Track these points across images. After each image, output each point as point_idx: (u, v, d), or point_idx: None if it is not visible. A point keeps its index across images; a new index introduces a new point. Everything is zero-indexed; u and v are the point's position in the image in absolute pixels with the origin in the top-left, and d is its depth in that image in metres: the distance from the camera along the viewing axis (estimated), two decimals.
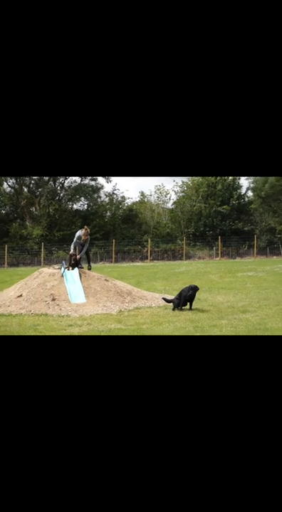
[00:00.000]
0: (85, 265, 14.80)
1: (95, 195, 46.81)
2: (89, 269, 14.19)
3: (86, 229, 14.23)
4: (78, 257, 13.95)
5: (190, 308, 11.67)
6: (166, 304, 12.39)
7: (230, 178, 43.34)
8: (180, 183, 45.97)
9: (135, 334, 8.88)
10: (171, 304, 11.96)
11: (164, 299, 12.71)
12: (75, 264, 13.63)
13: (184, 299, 11.70)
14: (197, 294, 12.10)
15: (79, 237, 14.20)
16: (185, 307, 11.74)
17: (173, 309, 11.70)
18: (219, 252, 39.73)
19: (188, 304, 11.78)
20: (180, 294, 11.86)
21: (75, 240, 14.31)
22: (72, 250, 14.18)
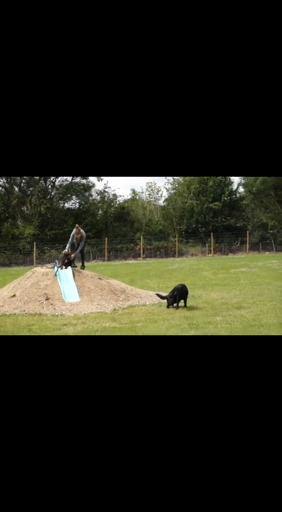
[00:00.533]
0: (78, 264, 14.74)
1: (87, 194, 46.74)
2: (82, 268, 14.12)
3: (77, 227, 14.19)
4: (73, 256, 13.91)
5: (185, 306, 11.63)
6: (161, 301, 12.36)
7: None
8: (171, 180, 46.01)
9: (130, 332, 8.86)
10: (166, 301, 11.93)
11: (158, 295, 12.69)
12: (68, 263, 13.58)
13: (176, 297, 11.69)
14: (191, 291, 12.08)
15: (74, 238, 14.17)
16: (180, 304, 11.70)
17: (167, 307, 11.67)
18: (212, 248, 39.79)
19: (182, 301, 11.75)
20: (174, 292, 11.80)
21: (70, 239, 14.27)
22: (66, 249, 14.15)
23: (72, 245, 14.33)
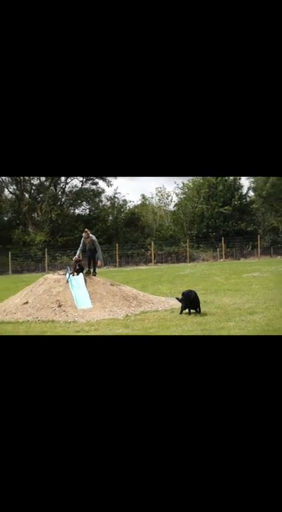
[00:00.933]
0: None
1: (97, 200, 46.82)
2: (94, 274, 14.09)
3: (86, 232, 14.19)
4: (99, 264, 14.10)
5: (198, 312, 11.52)
6: (173, 306, 12.27)
7: (231, 178, 43.29)
8: (181, 184, 45.99)
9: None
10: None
11: (178, 298, 12.47)
12: (79, 269, 13.59)
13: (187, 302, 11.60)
14: (203, 297, 11.99)
15: (84, 244, 14.19)
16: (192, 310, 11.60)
17: (180, 313, 11.61)
18: (223, 253, 39.67)
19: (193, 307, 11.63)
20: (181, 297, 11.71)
21: (81, 245, 14.30)
22: (76, 256, 14.17)
23: (83, 251, 14.34)
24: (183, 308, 11.56)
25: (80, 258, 14.03)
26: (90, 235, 14.28)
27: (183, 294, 11.70)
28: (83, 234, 14.26)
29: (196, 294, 11.66)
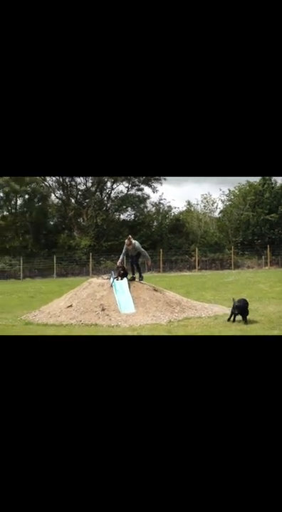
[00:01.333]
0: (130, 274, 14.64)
1: (142, 205, 46.96)
2: (140, 279, 14.02)
3: (129, 238, 14.11)
4: (149, 264, 14.43)
5: (245, 322, 11.31)
6: (217, 313, 12.16)
7: (278, 185, 42.79)
8: (227, 191, 45.69)
9: None
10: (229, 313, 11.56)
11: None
12: (123, 274, 13.62)
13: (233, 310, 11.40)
14: (248, 305, 11.77)
15: (126, 250, 14.15)
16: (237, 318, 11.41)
17: (228, 320, 11.44)
18: (268, 260, 39.16)
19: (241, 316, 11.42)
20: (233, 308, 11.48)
21: (123, 251, 14.29)
22: (119, 261, 14.19)
23: (126, 256, 14.31)
24: (232, 314, 11.35)
25: (123, 264, 14.04)
26: (133, 241, 14.20)
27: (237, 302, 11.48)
28: (126, 241, 14.21)
29: (245, 303, 11.49)
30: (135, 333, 10.28)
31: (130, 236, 14.56)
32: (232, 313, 11.35)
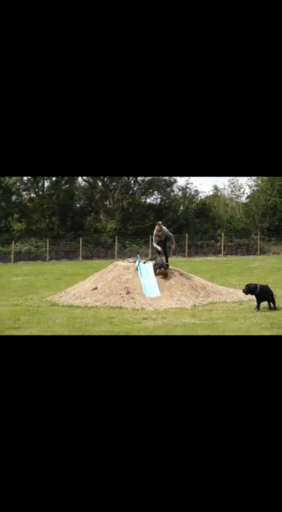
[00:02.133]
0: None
1: (168, 189, 46.82)
2: (166, 266, 13.87)
3: (159, 225, 14.01)
4: (173, 246, 14.73)
5: (274, 307, 11.11)
6: (242, 298, 12.09)
7: None
8: (254, 177, 45.19)
9: (210, 329, 8.80)
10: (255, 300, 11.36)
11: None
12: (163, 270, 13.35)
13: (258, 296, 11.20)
14: (273, 290, 11.66)
15: (156, 236, 14.11)
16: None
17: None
18: None
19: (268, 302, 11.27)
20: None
21: (154, 238, 14.27)
22: (159, 248, 14.00)
23: (158, 243, 14.16)
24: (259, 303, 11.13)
25: (160, 250, 13.91)
26: (163, 227, 14.07)
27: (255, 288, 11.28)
28: (156, 227, 14.05)
29: (266, 289, 11.34)
30: (160, 317, 10.30)
31: (160, 222, 14.44)
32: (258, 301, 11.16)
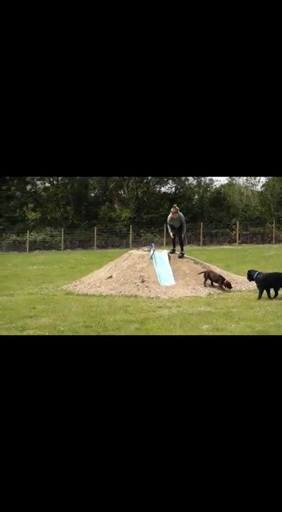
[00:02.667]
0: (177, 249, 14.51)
1: (183, 178, 46.67)
2: (181, 255, 13.86)
3: (175, 207, 13.91)
4: (182, 235, 14.12)
5: (274, 296, 11.03)
6: (256, 287, 12.06)
7: None
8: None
9: (225, 317, 8.77)
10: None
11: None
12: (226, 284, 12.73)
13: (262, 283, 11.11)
14: None
15: (171, 219, 14.03)
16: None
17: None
18: None
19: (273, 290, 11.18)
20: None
21: (168, 223, 14.16)
22: (171, 234, 14.05)
23: (172, 228, 14.10)
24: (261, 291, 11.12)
25: (175, 236, 13.87)
26: (179, 212, 14.01)
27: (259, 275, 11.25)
28: (171, 209, 13.98)
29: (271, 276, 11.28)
30: (175, 305, 10.29)
31: (175, 205, 14.37)
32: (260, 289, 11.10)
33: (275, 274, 11.49)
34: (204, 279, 12.55)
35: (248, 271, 11.64)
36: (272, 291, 11.06)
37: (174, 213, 13.71)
